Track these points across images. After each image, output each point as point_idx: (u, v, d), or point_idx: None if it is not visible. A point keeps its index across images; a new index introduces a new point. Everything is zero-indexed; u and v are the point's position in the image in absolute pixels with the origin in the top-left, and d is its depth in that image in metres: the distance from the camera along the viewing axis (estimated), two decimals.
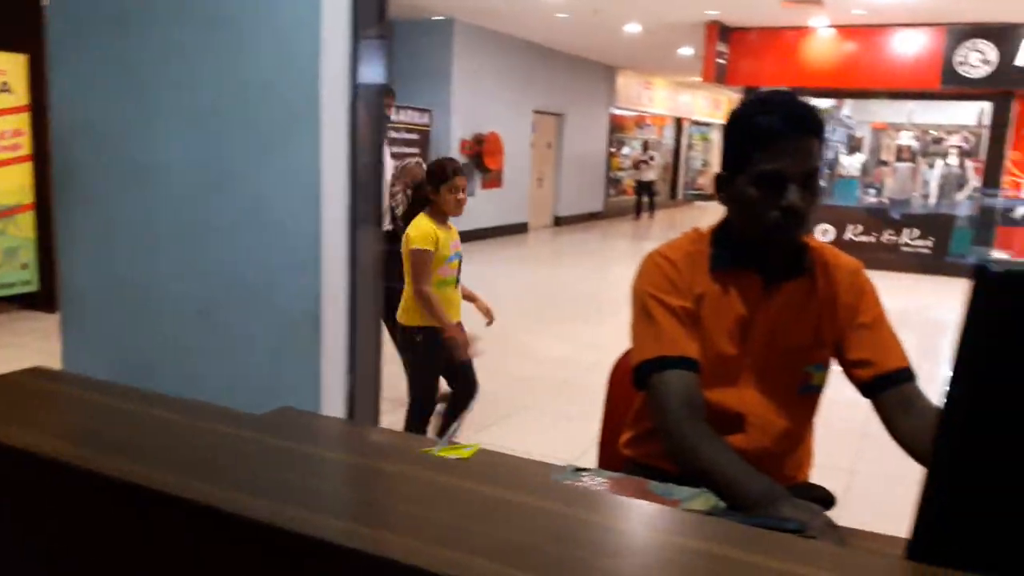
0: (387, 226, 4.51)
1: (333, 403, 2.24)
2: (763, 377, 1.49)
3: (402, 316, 3.53)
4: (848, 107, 14.72)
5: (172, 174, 2.29)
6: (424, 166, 4.87)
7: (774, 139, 1.39)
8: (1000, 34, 10.27)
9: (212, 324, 2.29)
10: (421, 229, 3.46)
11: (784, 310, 1.48)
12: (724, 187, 1.50)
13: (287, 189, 2.18)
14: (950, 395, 0.68)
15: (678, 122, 21.25)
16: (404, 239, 3.51)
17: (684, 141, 21.80)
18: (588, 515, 0.70)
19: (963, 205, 11.35)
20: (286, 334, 2.22)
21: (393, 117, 10.39)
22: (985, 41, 10.38)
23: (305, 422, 1.24)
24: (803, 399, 1.53)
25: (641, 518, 0.70)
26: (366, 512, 0.71)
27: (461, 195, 3.49)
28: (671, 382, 1.39)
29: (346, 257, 2.24)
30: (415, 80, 11.17)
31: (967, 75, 10.54)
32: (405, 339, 3.54)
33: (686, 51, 13.27)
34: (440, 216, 3.51)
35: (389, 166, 4.55)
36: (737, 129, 1.47)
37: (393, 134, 10.34)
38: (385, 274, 4.38)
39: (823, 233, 11.67)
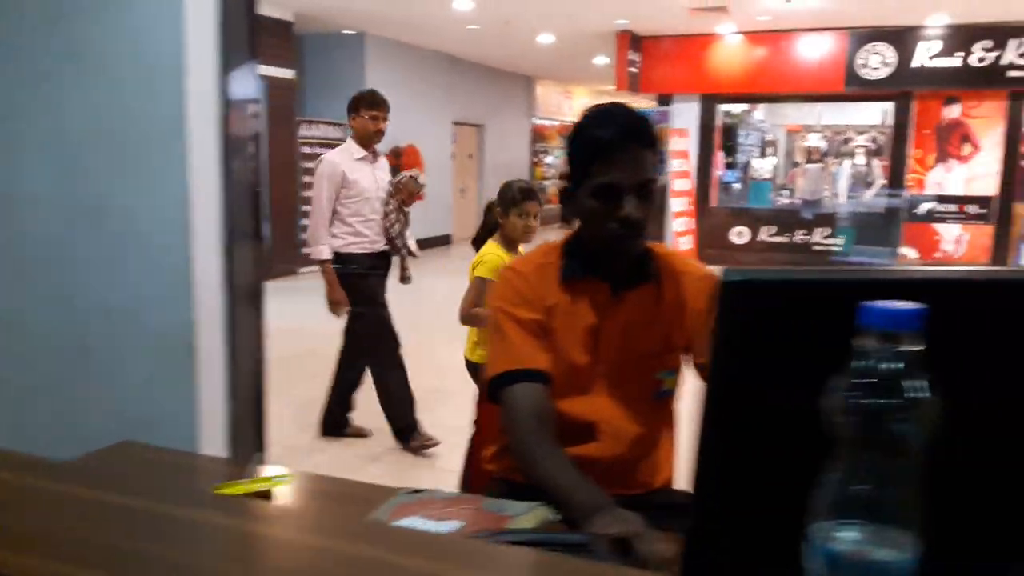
0: (383, 246, 4.29)
1: (212, 435, 2.18)
2: (616, 384, 1.51)
3: (471, 353, 3.31)
4: (762, 111, 15.09)
5: (38, 203, 2.21)
6: (420, 180, 4.62)
7: (609, 151, 1.42)
8: (898, 37, 10.66)
9: (86, 355, 2.22)
10: (490, 259, 3.19)
11: (632, 317, 1.51)
12: (568, 199, 1.53)
13: (155, 212, 2.13)
14: (703, 408, 0.68)
15: None
16: (471, 265, 3.25)
17: None
18: (386, 556, 0.68)
19: (843, 204, 11.72)
20: (160, 362, 2.16)
21: (306, 132, 10.27)
22: (884, 44, 10.76)
23: (140, 458, 1.19)
24: (657, 404, 1.55)
25: (426, 551, 0.68)
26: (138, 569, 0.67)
27: (532, 221, 3.21)
28: (520, 395, 1.41)
29: (221, 279, 2.19)
30: (328, 94, 11.07)
31: (868, 77, 10.91)
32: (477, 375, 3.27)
33: (602, 60, 13.45)
34: (509, 243, 3.25)
35: (383, 183, 4.32)
36: (575, 142, 1.50)
37: (307, 149, 10.22)
38: (371, 299, 4.17)
39: (738, 235, 11.93)
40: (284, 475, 1.16)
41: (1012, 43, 10.19)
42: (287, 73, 9.94)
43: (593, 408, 1.49)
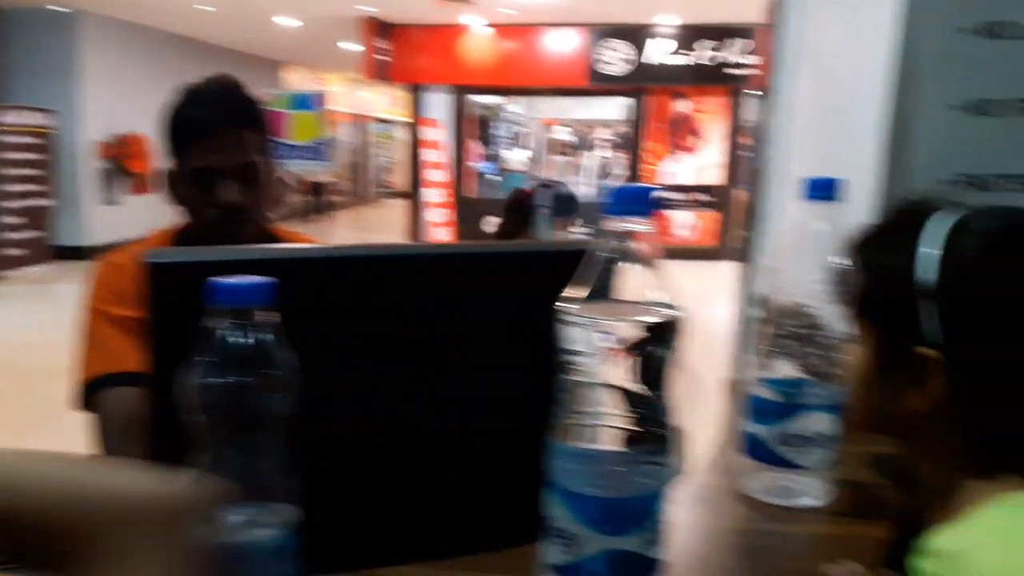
0: None
1: None
2: None
3: None
4: (521, 104, 15.31)
5: None
6: (292, 176, 3.87)
7: (202, 133, 1.36)
8: (633, 34, 11.14)
9: None
10: None
11: None
12: (170, 185, 1.43)
13: None
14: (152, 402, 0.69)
15: (359, 120, 21.00)
16: None
17: (368, 139, 21.60)
18: None
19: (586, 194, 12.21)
20: None
21: (8, 119, 9.06)
22: (621, 41, 11.21)
23: None
24: None
25: None
26: None
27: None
28: (113, 401, 1.30)
29: None
30: (34, 78, 9.85)
31: (608, 73, 11.33)
32: None
33: (350, 46, 13.02)
34: None
35: None
36: (169, 123, 1.41)
37: (10, 138, 9.01)
38: None
39: (494, 226, 12.02)
40: None
41: (731, 43, 10.95)
42: None
43: None
